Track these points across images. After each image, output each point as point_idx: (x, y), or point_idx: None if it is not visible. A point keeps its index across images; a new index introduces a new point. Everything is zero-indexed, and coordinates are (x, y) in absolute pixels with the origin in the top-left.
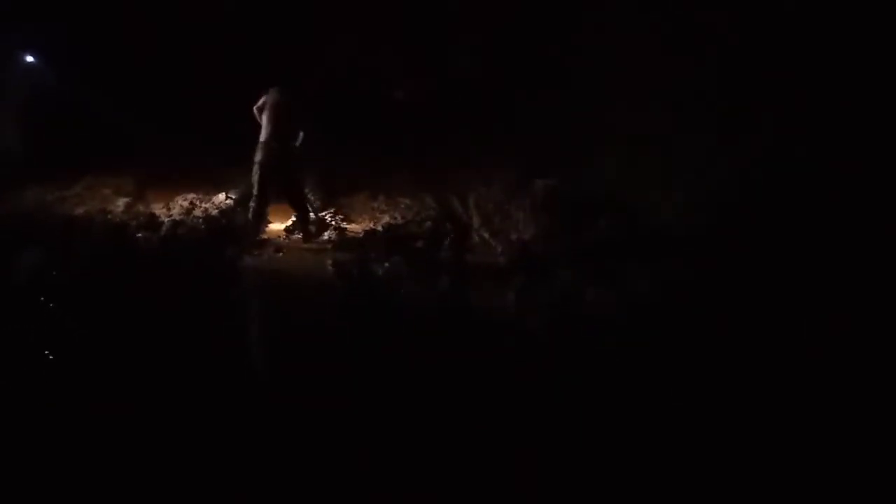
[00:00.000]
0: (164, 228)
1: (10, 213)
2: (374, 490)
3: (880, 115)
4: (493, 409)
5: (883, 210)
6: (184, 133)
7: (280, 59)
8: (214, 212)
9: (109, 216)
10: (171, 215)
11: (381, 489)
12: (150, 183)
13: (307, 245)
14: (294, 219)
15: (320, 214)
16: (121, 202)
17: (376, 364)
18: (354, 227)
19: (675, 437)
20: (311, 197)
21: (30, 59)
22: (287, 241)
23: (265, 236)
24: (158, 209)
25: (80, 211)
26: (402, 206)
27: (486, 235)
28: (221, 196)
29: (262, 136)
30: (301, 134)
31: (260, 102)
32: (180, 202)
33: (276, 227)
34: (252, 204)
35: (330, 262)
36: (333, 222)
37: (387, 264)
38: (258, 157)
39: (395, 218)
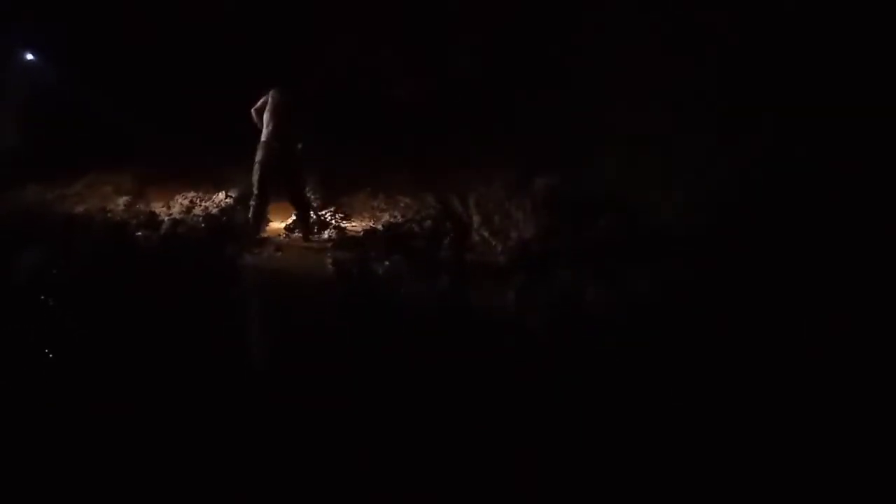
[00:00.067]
0: (164, 227)
1: (11, 212)
2: (374, 490)
3: (880, 115)
4: (493, 409)
5: (883, 210)
6: (184, 132)
7: (280, 59)
8: (214, 210)
9: (109, 215)
10: (171, 214)
11: (381, 489)
12: (150, 181)
13: (307, 244)
14: (294, 217)
15: (320, 213)
16: (121, 201)
17: (376, 364)
18: (354, 226)
19: (675, 437)
20: (310, 196)
21: (29, 56)
22: (287, 239)
23: (265, 235)
24: (158, 208)
25: (80, 209)
26: (402, 205)
27: (486, 235)
28: (221, 195)
29: (263, 136)
30: (303, 135)
31: (259, 104)
32: (180, 201)
33: (277, 225)
34: (252, 203)
35: (330, 260)
36: (333, 221)
37: (387, 263)
38: (259, 156)
39: (395, 217)
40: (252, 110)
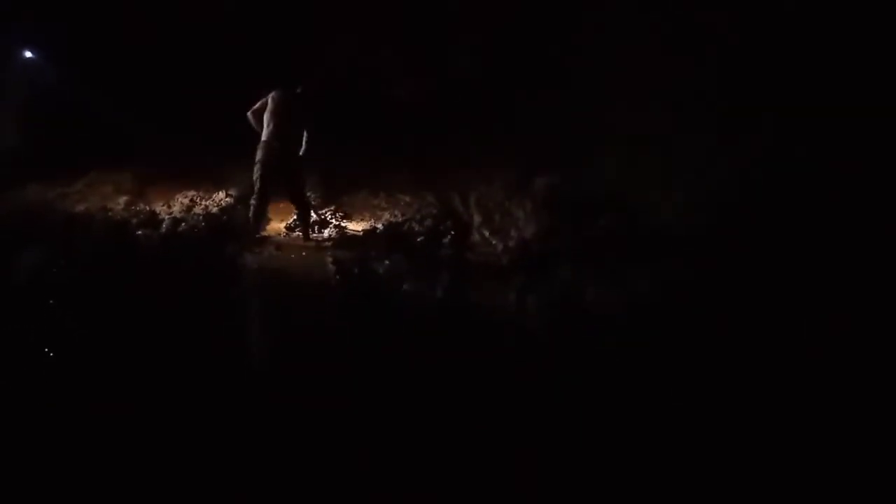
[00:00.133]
0: (164, 226)
1: (11, 211)
2: (374, 490)
3: (880, 115)
4: (493, 408)
5: (883, 210)
6: (184, 131)
7: (280, 59)
8: (215, 209)
9: (110, 214)
10: (171, 213)
11: (381, 489)
12: (150, 181)
13: (307, 243)
14: (295, 217)
15: (321, 212)
16: (121, 200)
17: (376, 363)
18: (355, 225)
19: (675, 437)
20: (311, 195)
21: (30, 56)
22: (287, 238)
23: (265, 234)
24: (159, 207)
25: (80, 208)
26: (403, 204)
27: (487, 234)
28: (222, 194)
29: (264, 136)
30: (305, 136)
31: (256, 106)
32: (181, 200)
33: (277, 225)
34: (252, 202)
35: (330, 259)
36: (334, 220)
37: (387, 262)
38: (259, 156)
39: (396, 216)
40: (249, 113)
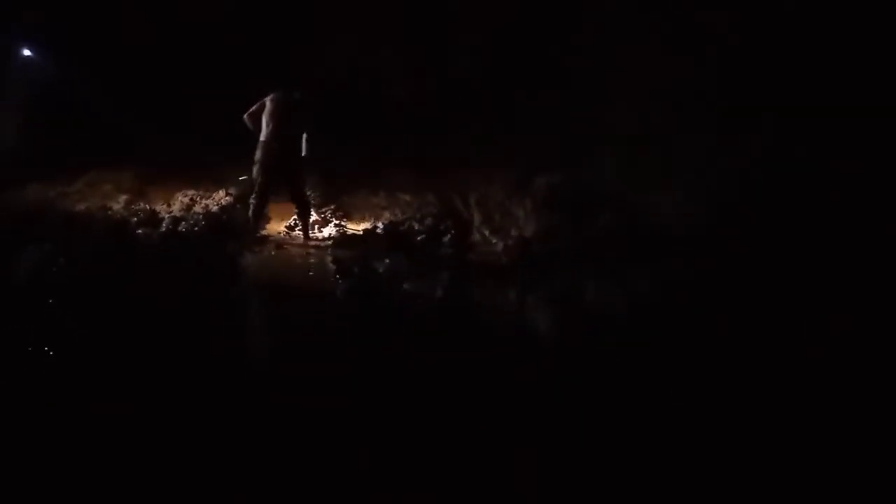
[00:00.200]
0: (164, 225)
1: (12, 210)
2: (374, 490)
3: (880, 115)
4: (493, 408)
5: (883, 210)
6: (184, 131)
7: (280, 59)
8: (215, 208)
9: (110, 213)
10: (171, 212)
11: (381, 489)
12: (150, 180)
13: (308, 242)
14: (295, 216)
15: (321, 211)
16: (121, 199)
17: (376, 363)
18: (355, 225)
19: (675, 437)
20: (311, 194)
21: (30, 56)
22: (288, 237)
23: (266, 233)
24: (159, 206)
25: (81, 208)
26: (403, 203)
27: (487, 233)
28: (222, 193)
29: (262, 136)
30: (305, 138)
31: (253, 108)
32: (181, 199)
33: (277, 224)
34: (252, 201)
35: (330, 258)
36: (334, 219)
37: (387, 261)
38: (258, 155)
39: (396, 215)
40: (245, 116)
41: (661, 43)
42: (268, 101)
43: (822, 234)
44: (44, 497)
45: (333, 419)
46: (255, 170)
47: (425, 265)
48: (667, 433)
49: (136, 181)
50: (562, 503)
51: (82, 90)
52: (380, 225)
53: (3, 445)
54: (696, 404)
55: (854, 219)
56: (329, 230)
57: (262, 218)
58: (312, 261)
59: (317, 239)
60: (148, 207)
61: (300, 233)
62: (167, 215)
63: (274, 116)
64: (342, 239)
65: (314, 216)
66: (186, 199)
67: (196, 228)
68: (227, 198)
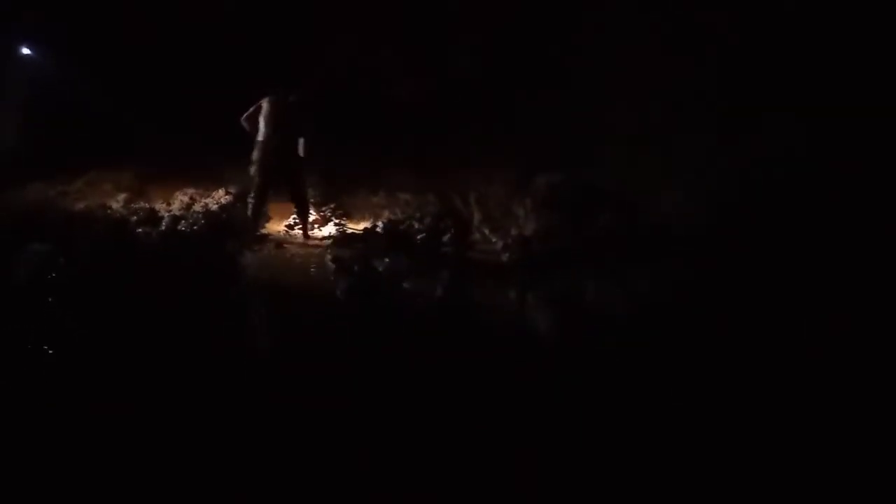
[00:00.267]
0: (164, 224)
1: (12, 209)
2: (374, 490)
3: (880, 115)
4: (493, 408)
5: (883, 210)
6: (184, 130)
7: (280, 59)
8: (214, 207)
9: (110, 212)
10: (171, 211)
11: (381, 489)
12: (150, 179)
13: (308, 241)
14: (295, 215)
15: (321, 210)
16: (121, 198)
17: (376, 363)
18: (355, 224)
19: (675, 437)
20: (311, 193)
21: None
22: (287, 236)
23: (265, 232)
24: (159, 205)
25: (80, 207)
26: (403, 202)
27: (487, 232)
28: (221, 192)
29: (261, 136)
30: (302, 140)
31: (250, 111)
32: (180, 197)
33: (277, 223)
34: (250, 201)
35: (330, 257)
36: (334, 218)
37: (387, 260)
38: (256, 155)
39: (396, 214)
40: (242, 119)
41: (661, 43)
42: (264, 103)
43: (821, 234)
44: (44, 497)
45: (333, 419)
46: (252, 169)
47: (425, 264)
48: (667, 433)
49: (135, 180)
50: (562, 503)
51: (82, 90)
52: (379, 224)
53: (2, 445)
54: (697, 404)
55: (854, 219)
56: (329, 229)
57: (261, 217)
58: (312, 260)
59: (316, 238)
60: (147, 206)
61: (300, 232)
62: (167, 214)
63: (270, 118)
64: (342, 238)
65: (314, 215)
66: (186, 198)
67: (196, 227)
68: (226, 197)
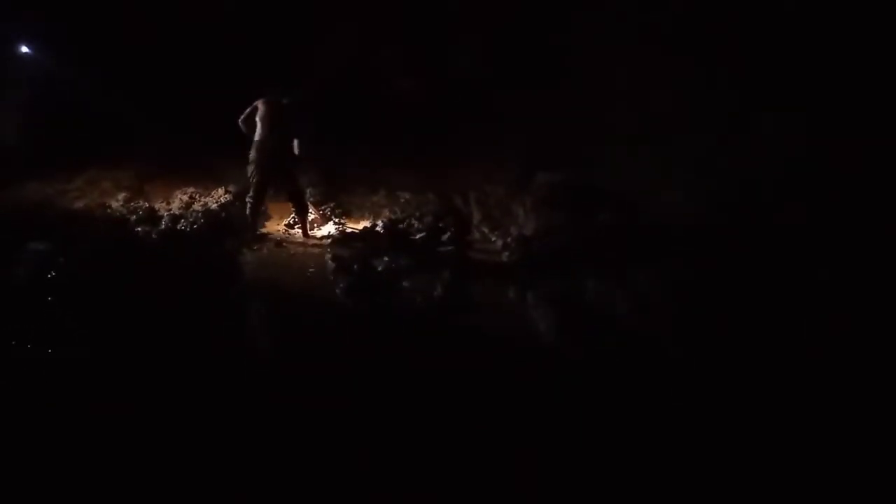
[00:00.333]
0: (163, 223)
1: (11, 208)
2: (374, 490)
3: (880, 115)
4: (493, 408)
5: (883, 210)
6: (183, 129)
7: (280, 59)
8: (214, 206)
9: (109, 211)
10: (170, 210)
11: (381, 489)
12: (150, 177)
13: (307, 240)
14: (293, 214)
15: (321, 209)
16: (121, 196)
17: (376, 363)
18: (354, 223)
19: (675, 436)
20: (309, 192)
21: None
22: (287, 235)
23: (265, 231)
24: (158, 204)
25: (80, 205)
26: (403, 201)
27: (487, 231)
28: (221, 190)
29: (257, 136)
30: (297, 142)
31: (246, 113)
32: (180, 196)
33: (277, 222)
34: (248, 200)
35: (329, 256)
36: (334, 217)
37: (386, 259)
38: (253, 156)
39: (395, 213)
40: (239, 121)
41: (661, 43)
42: (259, 105)
43: (821, 234)
44: (44, 497)
45: (333, 419)
46: (250, 170)
47: (425, 263)
48: (666, 433)
49: (135, 179)
50: (561, 503)
51: (82, 89)
52: (379, 223)
53: (2, 445)
54: (696, 404)
55: (854, 219)
56: (328, 228)
57: (259, 216)
58: (311, 259)
59: (316, 237)
60: (147, 205)
61: (299, 231)
62: (166, 213)
63: (266, 118)
64: (341, 237)
65: (313, 214)
66: (186, 197)
67: (195, 226)
68: (226, 196)
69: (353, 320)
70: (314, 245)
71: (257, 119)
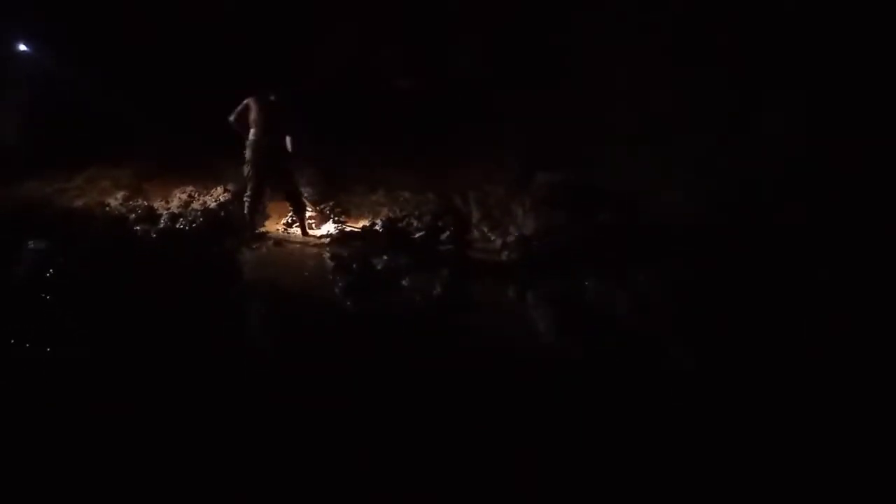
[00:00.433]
0: (162, 221)
1: (10, 206)
2: (374, 490)
3: (880, 115)
4: (493, 408)
5: (883, 210)
6: (183, 128)
7: (280, 59)
8: (213, 205)
9: (108, 209)
10: (169, 208)
11: (381, 489)
12: (149, 176)
13: (306, 238)
14: (291, 213)
15: (320, 208)
16: (120, 195)
17: (375, 362)
18: (354, 222)
19: (675, 436)
20: (307, 192)
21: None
22: (286, 234)
23: (264, 230)
24: (157, 202)
25: (79, 204)
26: (402, 200)
27: (486, 230)
28: (220, 189)
29: (252, 136)
30: (289, 139)
31: (238, 111)
32: (179, 195)
33: (276, 221)
34: (246, 199)
35: (329, 255)
36: (333, 216)
37: (385, 258)
38: (248, 155)
39: (395, 212)
40: (230, 119)
41: (661, 43)
42: (251, 103)
43: (821, 234)
44: (44, 497)
45: (333, 419)
46: (246, 169)
47: (424, 262)
48: (666, 433)
49: (134, 178)
50: (561, 503)
51: (82, 88)
52: (378, 222)
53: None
54: (696, 403)
55: (854, 219)
56: (328, 227)
57: (257, 215)
58: (311, 258)
59: (315, 236)
60: (146, 204)
61: (298, 230)
62: (165, 212)
63: (258, 118)
64: (341, 236)
65: (311, 211)
66: (185, 196)
67: (194, 225)
68: (225, 194)
69: (353, 319)
70: (313, 244)
71: (250, 118)
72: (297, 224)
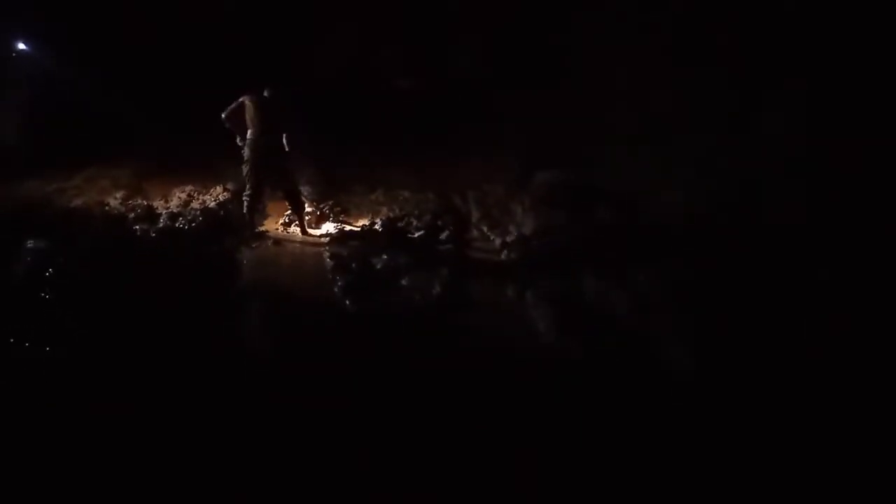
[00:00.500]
0: (161, 220)
1: (10, 205)
2: (374, 490)
3: (880, 115)
4: (493, 408)
5: (883, 210)
6: (182, 127)
7: (280, 59)
8: (212, 204)
9: (108, 208)
10: (168, 208)
11: (381, 489)
12: (148, 175)
13: (306, 237)
14: (290, 212)
15: (319, 207)
16: (119, 195)
17: (375, 362)
18: (353, 221)
19: (675, 436)
20: (306, 191)
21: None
22: (285, 233)
23: (263, 229)
24: (157, 202)
25: (78, 203)
26: (401, 199)
27: (485, 230)
28: (219, 188)
29: (250, 135)
30: (285, 138)
31: (231, 108)
32: (178, 195)
33: (275, 220)
34: (245, 199)
35: (328, 254)
36: (332, 215)
37: (385, 257)
38: (246, 154)
39: (394, 211)
40: (223, 116)
41: (661, 42)
42: (246, 102)
43: (821, 234)
44: (44, 496)
45: (333, 419)
46: (245, 169)
47: (423, 261)
48: (666, 432)
49: (133, 177)
50: (561, 503)
51: (82, 88)
52: (378, 221)
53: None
54: (696, 403)
55: (854, 219)
56: (327, 226)
57: (256, 214)
58: (310, 257)
59: (315, 235)
60: (145, 203)
61: (297, 229)
62: (164, 211)
63: (255, 117)
64: (340, 235)
65: (309, 208)
66: (184, 195)
67: (193, 224)
68: (224, 194)
69: (352, 319)
70: (313, 243)
71: (247, 118)
72: (297, 223)
